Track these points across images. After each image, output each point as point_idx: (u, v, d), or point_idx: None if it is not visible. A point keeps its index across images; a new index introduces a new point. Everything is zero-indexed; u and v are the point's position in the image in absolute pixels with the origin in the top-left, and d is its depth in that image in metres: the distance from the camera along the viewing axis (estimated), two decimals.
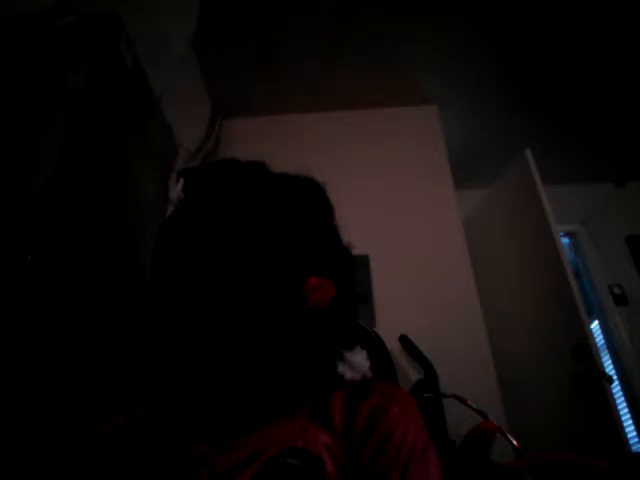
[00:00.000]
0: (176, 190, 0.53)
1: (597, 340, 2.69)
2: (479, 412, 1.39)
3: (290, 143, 2.47)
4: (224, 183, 0.53)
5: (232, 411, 0.48)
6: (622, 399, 2.51)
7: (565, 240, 3.01)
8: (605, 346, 2.73)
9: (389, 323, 1.90)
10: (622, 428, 1.67)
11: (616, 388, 2.51)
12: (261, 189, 0.54)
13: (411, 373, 1.78)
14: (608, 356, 2.69)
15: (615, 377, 2.50)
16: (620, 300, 2.78)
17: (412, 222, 2.20)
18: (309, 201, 0.57)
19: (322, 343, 0.50)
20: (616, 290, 2.81)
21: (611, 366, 2.65)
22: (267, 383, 0.49)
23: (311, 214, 0.56)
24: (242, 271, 0.48)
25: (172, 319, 0.48)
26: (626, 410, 2.48)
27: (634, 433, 2.40)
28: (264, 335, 0.48)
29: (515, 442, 1.30)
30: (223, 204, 0.51)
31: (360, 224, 2.24)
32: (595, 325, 2.82)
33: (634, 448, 2.30)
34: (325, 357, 0.51)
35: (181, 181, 0.54)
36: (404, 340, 1.75)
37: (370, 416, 0.46)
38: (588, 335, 1.83)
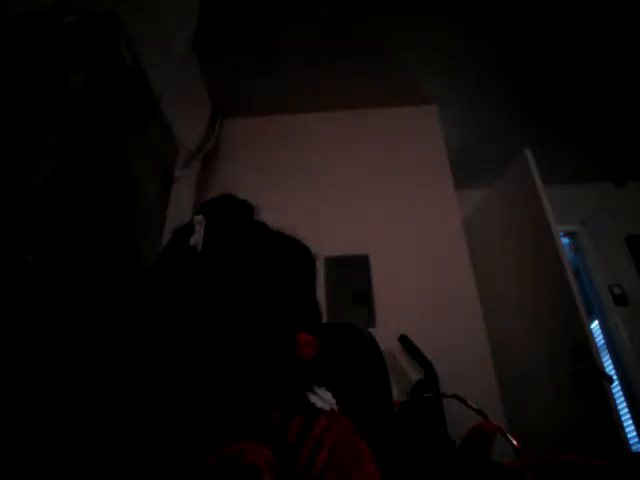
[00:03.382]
0: (198, 237, 0.56)
1: (597, 340, 2.69)
2: (479, 412, 1.40)
3: (290, 143, 2.48)
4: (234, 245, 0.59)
5: (199, 434, 0.52)
6: (622, 399, 2.52)
7: (565, 240, 3.01)
8: (605, 346, 2.73)
9: (389, 323, 1.90)
10: (622, 428, 1.67)
11: (616, 388, 2.51)
12: (278, 258, 0.62)
13: (411, 373, 1.78)
14: (608, 356, 2.69)
15: (615, 377, 2.50)
16: (620, 300, 2.78)
17: (412, 222, 2.20)
18: (309, 269, 0.67)
19: (299, 381, 0.58)
20: (616, 290, 2.81)
21: (611, 366, 2.65)
22: (242, 413, 0.53)
23: (310, 281, 0.66)
24: (248, 318, 0.55)
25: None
26: (626, 410, 2.48)
27: (634, 433, 2.40)
28: (251, 371, 0.54)
29: (515, 442, 1.30)
30: (236, 262, 0.58)
31: (360, 224, 2.25)
32: (595, 325, 2.82)
33: (634, 448, 2.31)
34: (300, 389, 0.59)
35: (203, 224, 0.57)
36: (404, 340, 1.75)
37: (301, 426, 0.51)
38: (588, 335, 1.83)
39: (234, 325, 0.53)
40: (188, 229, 0.58)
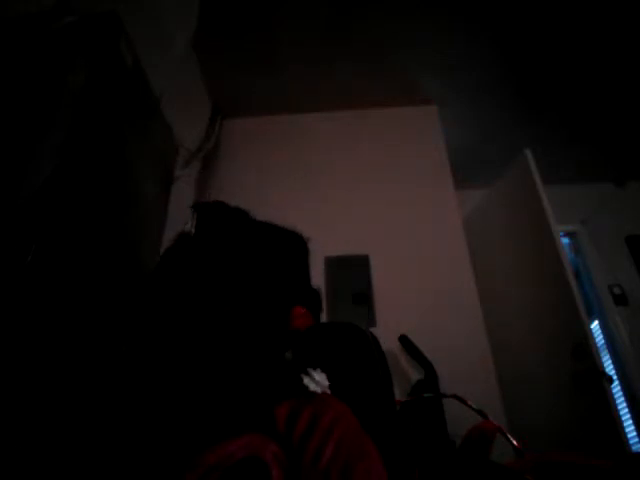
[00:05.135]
0: (191, 225, 0.62)
1: (597, 340, 2.69)
2: (479, 412, 1.39)
3: (290, 143, 2.48)
4: (232, 235, 0.63)
5: (198, 427, 0.53)
6: (622, 399, 2.51)
7: (565, 240, 3.01)
8: (605, 346, 2.73)
9: (389, 323, 1.90)
10: (622, 428, 1.67)
11: (616, 388, 2.51)
12: (266, 241, 0.66)
13: (411, 373, 1.78)
14: (608, 356, 2.69)
15: (615, 377, 2.50)
16: (620, 300, 2.78)
17: (412, 222, 2.20)
18: (299, 250, 0.71)
19: (294, 361, 0.61)
20: (616, 290, 2.81)
21: (611, 366, 2.65)
22: (239, 401, 0.54)
23: (302, 262, 0.70)
24: (244, 298, 0.58)
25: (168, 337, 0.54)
26: (626, 410, 2.48)
27: (634, 433, 2.40)
28: (250, 353, 0.56)
29: (515, 442, 1.30)
30: (235, 252, 0.61)
31: (360, 224, 2.25)
32: (595, 325, 2.82)
33: (634, 448, 2.30)
34: (294, 370, 0.62)
35: (195, 216, 0.63)
36: (404, 340, 1.75)
37: (309, 421, 0.52)
38: (588, 335, 1.83)
39: (229, 300, 0.56)
40: (184, 225, 0.63)
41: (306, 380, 0.59)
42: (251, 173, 2.34)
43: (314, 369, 0.62)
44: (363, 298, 2.01)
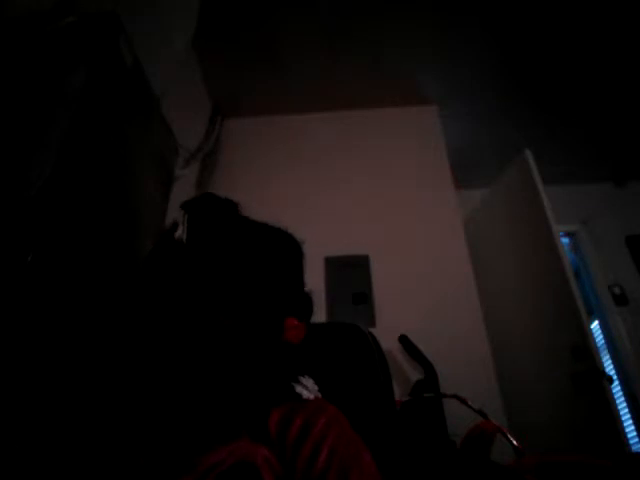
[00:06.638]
0: (182, 228, 0.60)
1: (597, 340, 2.69)
2: (479, 412, 1.40)
3: (290, 143, 2.48)
4: (221, 236, 0.60)
5: (191, 433, 0.53)
6: (622, 399, 2.52)
7: (565, 240, 3.01)
8: (605, 346, 2.73)
9: (389, 323, 1.90)
10: (622, 428, 1.67)
11: (616, 388, 2.51)
12: (258, 245, 0.63)
13: (411, 373, 1.78)
14: (608, 356, 2.69)
15: (615, 377, 2.50)
16: (620, 300, 2.78)
17: (412, 222, 2.21)
18: (294, 255, 0.67)
19: (286, 370, 0.61)
20: (616, 290, 2.81)
21: (611, 366, 2.65)
22: (230, 407, 0.54)
23: (296, 268, 0.66)
24: (235, 305, 0.56)
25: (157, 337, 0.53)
26: (626, 410, 2.48)
27: (634, 433, 2.40)
28: (240, 363, 0.54)
29: (515, 442, 1.30)
30: (226, 255, 0.59)
31: (360, 224, 2.25)
32: (595, 325, 2.82)
33: (634, 448, 2.31)
34: (287, 379, 0.60)
35: (185, 217, 0.60)
36: (404, 340, 1.75)
37: (301, 427, 0.52)
38: (588, 335, 1.83)
39: (222, 311, 0.54)
40: (173, 227, 0.60)
41: (298, 388, 0.58)
42: (251, 173, 2.34)
43: (303, 375, 0.61)
44: (363, 298, 2.01)
